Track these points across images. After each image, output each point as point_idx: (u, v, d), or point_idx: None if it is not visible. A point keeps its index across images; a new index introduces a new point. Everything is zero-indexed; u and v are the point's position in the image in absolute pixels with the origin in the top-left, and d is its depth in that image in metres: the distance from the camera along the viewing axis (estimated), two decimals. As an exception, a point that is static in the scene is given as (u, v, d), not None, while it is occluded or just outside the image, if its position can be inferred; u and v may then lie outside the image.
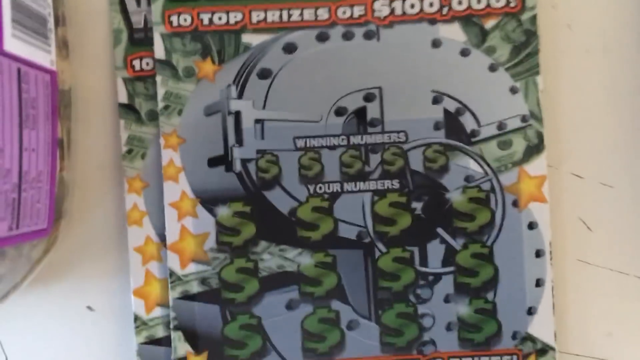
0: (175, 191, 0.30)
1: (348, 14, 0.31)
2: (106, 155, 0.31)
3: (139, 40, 0.31)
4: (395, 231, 0.31)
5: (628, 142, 0.32)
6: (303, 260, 0.31)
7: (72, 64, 0.31)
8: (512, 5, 0.31)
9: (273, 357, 0.30)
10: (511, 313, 0.31)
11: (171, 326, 0.30)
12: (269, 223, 0.30)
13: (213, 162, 0.30)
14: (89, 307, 0.31)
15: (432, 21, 0.31)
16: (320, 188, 0.31)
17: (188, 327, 0.30)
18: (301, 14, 0.31)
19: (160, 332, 0.31)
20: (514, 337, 0.31)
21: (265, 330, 0.30)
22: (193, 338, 0.30)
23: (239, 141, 0.31)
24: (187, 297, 0.30)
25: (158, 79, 0.30)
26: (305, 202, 0.31)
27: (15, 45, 0.25)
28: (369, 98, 0.31)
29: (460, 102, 0.31)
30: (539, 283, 0.31)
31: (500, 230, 0.31)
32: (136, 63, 0.31)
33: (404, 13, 0.31)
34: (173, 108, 0.30)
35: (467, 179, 0.31)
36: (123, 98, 0.31)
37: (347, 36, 0.31)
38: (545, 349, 0.31)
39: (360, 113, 0.31)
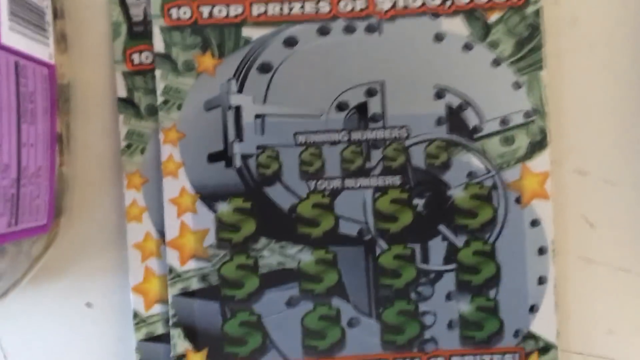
0: (175, 187, 0.31)
1: (350, 7, 0.31)
2: (105, 151, 0.31)
3: (138, 33, 0.31)
4: (397, 228, 0.31)
5: (632, 139, 0.32)
6: (303, 257, 0.31)
7: (70, 58, 0.31)
8: (516, -1, 0.31)
9: (273, 355, 0.31)
10: (513, 311, 0.31)
11: (170, 323, 0.31)
12: (269, 219, 0.31)
13: (213, 158, 0.31)
14: (88, 304, 0.32)
15: (435, 15, 0.31)
16: (321, 184, 0.31)
17: (188, 324, 0.31)
18: (302, 7, 0.31)
19: (159, 329, 0.31)
20: (515, 335, 0.31)
21: (265, 328, 0.31)
22: (193, 335, 0.31)
23: (239, 136, 0.31)
24: (186, 293, 0.31)
25: (157, 73, 0.31)
26: (305, 198, 0.31)
27: (12, 38, 0.25)
28: (370, 93, 0.31)
29: (463, 97, 0.31)
30: (541, 281, 0.31)
31: (502, 227, 0.31)
32: (135, 57, 0.31)
33: (406, 6, 0.31)
34: (172, 102, 0.31)
35: (470, 175, 0.31)
36: (122, 92, 0.31)
37: (349, 30, 0.31)
38: (547, 347, 0.31)
39: (362, 108, 0.31)
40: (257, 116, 0.31)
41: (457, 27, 0.31)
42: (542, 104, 0.31)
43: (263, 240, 0.31)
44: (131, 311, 0.31)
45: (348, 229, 0.31)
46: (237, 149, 0.31)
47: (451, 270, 0.31)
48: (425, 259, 0.31)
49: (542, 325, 0.31)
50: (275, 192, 0.31)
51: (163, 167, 0.31)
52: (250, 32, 0.31)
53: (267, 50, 0.31)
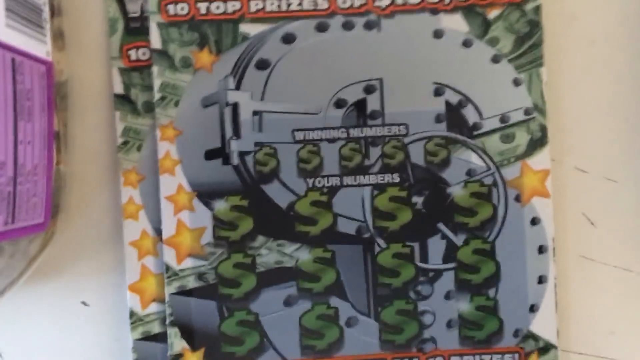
0: (172, 184, 0.31)
1: (348, 4, 0.31)
2: (102, 148, 0.32)
3: (135, 29, 0.31)
4: (396, 226, 0.31)
5: (633, 136, 0.32)
6: (301, 255, 0.31)
7: (68, 55, 0.31)
8: (516, -5, 0.31)
9: (270, 354, 0.31)
10: (513, 310, 0.31)
11: (167, 322, 0.31)
12: (267, 217, 0.31)
13: (210, 155, 0.31)
14: (84, 303, 0.32)
15: (434, 11, 0.31)
16: (319, 182, 0.31)
17: (184, 323, 0.31)
18: (300, 3, 0.31)
19: (156, 328, 0.31)
20: (515, 334, 0.31)
21: (262, 327, 0.31)
22: (189, 334, 0.31)
23: (237, 133, 0.31)
24: (183, 292, 0.31)
25: (154, 69, 0.31)
26: (304, 196, 0.31)
27: (9, 35, 0.25)
28: (369, 90, 0.31)
29: (462, 94, 0.31)
30: (541, 280, 0.31)
31: (502, 225, 0.31)
32: (132, 53, 0.31)
33: (405, 3, 0.31)
34: (169, 99, 0.31)
35: (469, 173, 0.31)
36: (119, 89, 0.31)
37: (347, 26, 0.31)
38: (547, 347, 0.31)
39: (360, 105, 0.31)
40: (255, 113, 0.31)
41: (456, 23, 0.31)
42: (542, 101, 0.31)
43: (261, 239, 0.31)
44: (127, 310, 0.31)
45: (346, 227, 0.31)
46: (235, 146, 0.31)
47: (450, 269, 0.31)
48: (425, 258, 0.31)
49: (542, 325, 0.31)
50: (273, 190, 0.31)
51: (160, 164, 0.31)
52: (248, 29, 0.31)
53: (265, 46, 0.31)
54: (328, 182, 0.31)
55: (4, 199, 0.25)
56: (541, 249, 0.31)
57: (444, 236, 0.31)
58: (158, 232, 0.31)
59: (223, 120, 0.31)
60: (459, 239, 0.31)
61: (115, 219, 0.32)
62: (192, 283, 0.31)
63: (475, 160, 0.31)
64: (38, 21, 0.28)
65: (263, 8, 0.31)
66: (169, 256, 0.31)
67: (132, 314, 0.31)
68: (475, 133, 0.31)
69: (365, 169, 0.31)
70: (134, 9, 0.31)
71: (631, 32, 0.32)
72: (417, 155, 0.31)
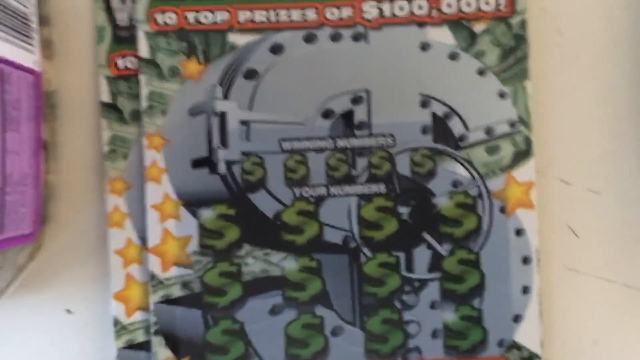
0: (158, 193, 0.31)
1: (336, 15, 0.32)
2: (90, 157, 0.32)
3: (123, 38, 0.31)
4: (382, 236, 0.32)
5: (616, 148, 0.33)
6: (287, 264, 0.32)
7: (56, 64, 0.31)
8: (502, 9, 0.32)
9: (255, 363, 0.31)
10: (497, 320, 0.32)
11: (152, 331, 0.31)
12: (254, 226, 0.31)
13: (197, 164, 0.31)
14: (68, 311, 0.32)
15: (421, 24, 0.32)
16: (306, 191, 0.32)
17: (169, 331, 0.31)
18: (288, 14, 0.32)
19: (140, 337, 0.31)
20: (500, 344, 0.32)
21: (247, 336, 0.31)
22: (174, 343, 0.31)
23: (224, 142, 0.31)
24: (168, 301, 0.31)
25: (142, 78, 0.31)
26: (290, 205, 0.32)
27: (-3, 44, 0.26)
28: (356, 100, 0.32)
29: (448, 106, 0.32)
30: (525, 290, 0.32)
31: (487, 236, 0.32)
32: (120, 61, 0.31)
33: (393, 15, 0.32)
34: (157, 108, 0.31)
35: (455, 184, 0.32)
36: (106, 97, 0.31)
37: (335, 38, 0.32)
38: (531, 357, 0.32)
39: (348, 116, 0.32)
40: (242, 122, 0.31)
41: (443, 36, 0.32)
42: (527, 113, 0.32)
43: (247, 247, 0.31)
44: (112, 318, 0.31)
45: (333, 236, 0.32)
46: (222, 155, 0.31)
47: (436, 279, 0.32)
48: (410, 268, 0.32)
49: (526, 335, 0.32)
50: (260, 199, 0.32)
51: (146, 172, 0.31)
52: (236, 39, 0.32)
53: (253, 56, 0.32)
54: (315, 191, 0.32)
55: (-9, 209, 0.25)
56: (525, 260, 0.32)
57: (430, 246, 0.32)
58: (143, 240, 0.31)
59: (210, 129, 0.31)
60: (444, 249, 0.32)
61: (101, 228, 0.32)
62: (177, 291, 0.31)
63: (460, 171, 0.32)
64: (26, 31, 0.28)
65: (251, 18, 0.32)
66: (154, 265, 0.31)
67: (116, 322, 0.31)
68: (461, 145, 0.32)
69: (352, 179, 0.32)
70: (122, 18, 0.31)
71: (615, 46, 0.33)
72: (403, 166, 0.32)
